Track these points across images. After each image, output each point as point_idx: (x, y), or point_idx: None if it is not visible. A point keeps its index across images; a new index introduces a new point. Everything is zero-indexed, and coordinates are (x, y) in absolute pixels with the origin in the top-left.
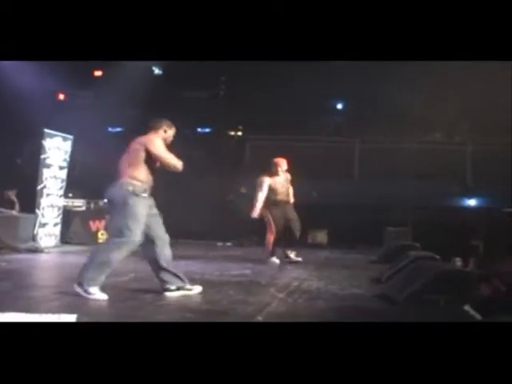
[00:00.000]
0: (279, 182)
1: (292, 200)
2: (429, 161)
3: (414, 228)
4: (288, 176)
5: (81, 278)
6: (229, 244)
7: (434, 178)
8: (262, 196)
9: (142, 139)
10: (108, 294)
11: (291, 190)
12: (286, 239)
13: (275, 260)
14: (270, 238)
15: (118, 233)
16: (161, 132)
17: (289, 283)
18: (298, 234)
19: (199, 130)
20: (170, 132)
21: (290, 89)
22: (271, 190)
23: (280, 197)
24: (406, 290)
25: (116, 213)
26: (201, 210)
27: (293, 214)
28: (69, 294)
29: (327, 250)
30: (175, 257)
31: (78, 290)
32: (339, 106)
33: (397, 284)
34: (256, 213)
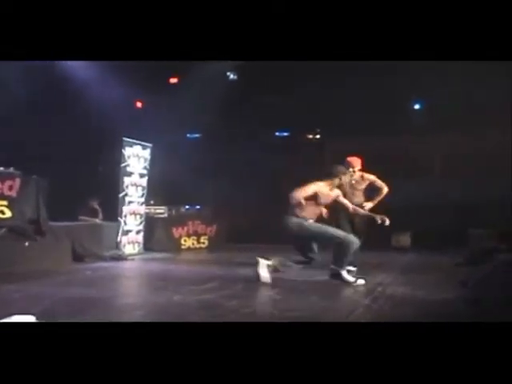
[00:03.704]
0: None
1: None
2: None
3: (500, 229)
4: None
5: None
6: None
7: None
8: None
9: None
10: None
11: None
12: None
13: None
14: None
15: None
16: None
17: (373, 289)
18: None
19: (277, 133)
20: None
21: (366, 89)
22: None
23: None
24: (495, 296)
25: None
26: (282, 214)
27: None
28: (154, 302)
29: (411, 252)
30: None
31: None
32: (417, 106)
33: (486, 289)
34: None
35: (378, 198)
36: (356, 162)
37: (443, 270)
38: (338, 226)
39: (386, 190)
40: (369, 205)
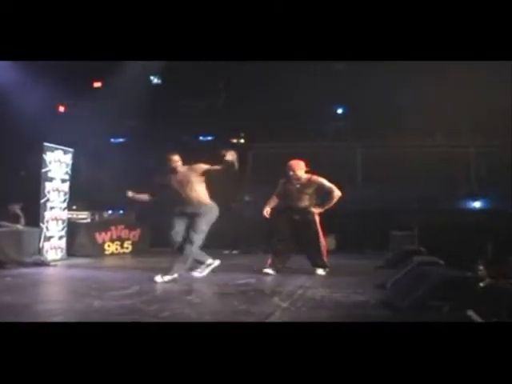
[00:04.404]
0: (288, 186)
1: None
2: (432, 164)
3: (420, 232)
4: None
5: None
6: (235, 252)
7: (438, 181)
8: (273, 197)
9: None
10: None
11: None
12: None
13: (268, 271)
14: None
15: None
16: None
17: (293, 291)
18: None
19: (201, 138)
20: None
21: (290, 95)
22: (283, 195)
23: (287, 202)
24: (408, 297)
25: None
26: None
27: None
28: (73, 308)
29: (334, 255)
30: None
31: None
32: (340, 111)
33: (400, 291)
34: (266, 211)
35: (329, 203)
36: (296, 165)
37: (364, 272)
38: (278, 231)
39: (336, 193)
40: (318, 210)
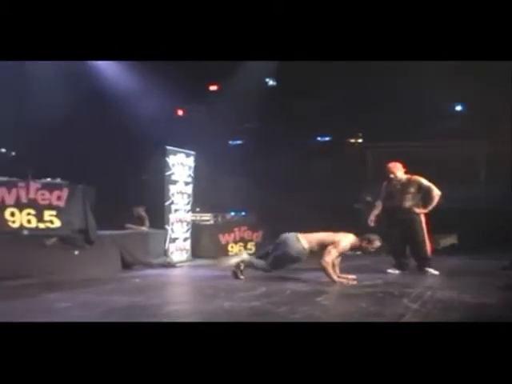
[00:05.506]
0: (390, 188)
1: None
2: None
3: None
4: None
5: None
6: (359, 253)
7: None
8: (378, 202)
9: None
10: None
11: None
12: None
13: (390, 271)
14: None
15: None
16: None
17: (422, 293)
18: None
19: (319, 138)
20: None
21: (407, 93)
22: (386, 196)
23: (391, 203)
24: None
25: None
26: (326, 219)
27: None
28: (204, 309)
29: (457, 255)
30: (306, 269)
31: None
32: (458, 108)
33: None
34: (370, 220)
35: (431, 203)
36: (394, 167)
37: (489, 273)
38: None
39: (436, 192)
40: (421, 210)
